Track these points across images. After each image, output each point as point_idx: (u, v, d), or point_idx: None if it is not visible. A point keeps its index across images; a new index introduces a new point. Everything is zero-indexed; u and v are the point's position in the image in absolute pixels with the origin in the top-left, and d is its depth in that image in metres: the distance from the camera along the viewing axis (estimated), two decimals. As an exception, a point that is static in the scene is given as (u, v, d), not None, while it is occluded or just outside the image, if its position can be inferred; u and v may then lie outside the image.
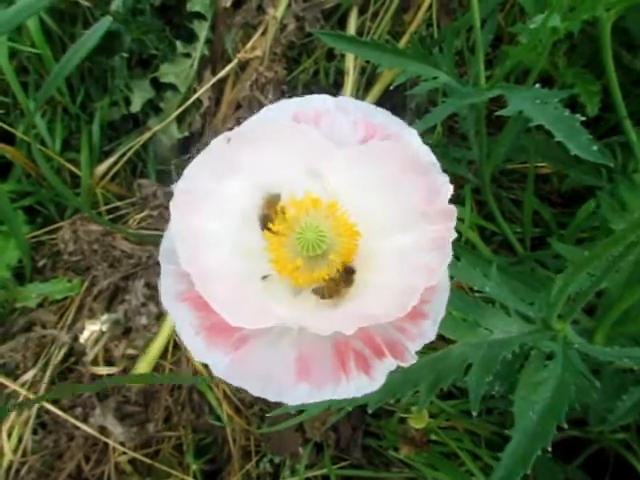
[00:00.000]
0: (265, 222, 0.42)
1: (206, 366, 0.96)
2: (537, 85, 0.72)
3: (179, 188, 0.39)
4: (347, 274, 0.41)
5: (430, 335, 0.38)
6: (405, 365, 0.37)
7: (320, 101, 0.43)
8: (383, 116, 0.42)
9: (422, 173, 0.39)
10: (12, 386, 0.94)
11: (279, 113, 0.42)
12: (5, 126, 1.05)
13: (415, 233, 0.39)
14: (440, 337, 0.56)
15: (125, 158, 1.11)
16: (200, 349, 0.38)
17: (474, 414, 0.52)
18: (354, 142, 0.42)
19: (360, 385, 0.37)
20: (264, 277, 0.41)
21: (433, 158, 0.40)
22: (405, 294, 0.36)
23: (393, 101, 1.07)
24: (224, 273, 0.40)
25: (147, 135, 1.10)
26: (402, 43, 1.07)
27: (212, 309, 0.36)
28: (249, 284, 0.41)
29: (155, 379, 0.91)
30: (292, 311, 0.39)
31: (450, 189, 0.38)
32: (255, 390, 0.37)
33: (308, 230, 0.40)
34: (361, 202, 0.41)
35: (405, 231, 0.39)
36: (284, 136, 0.41)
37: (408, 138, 0.41)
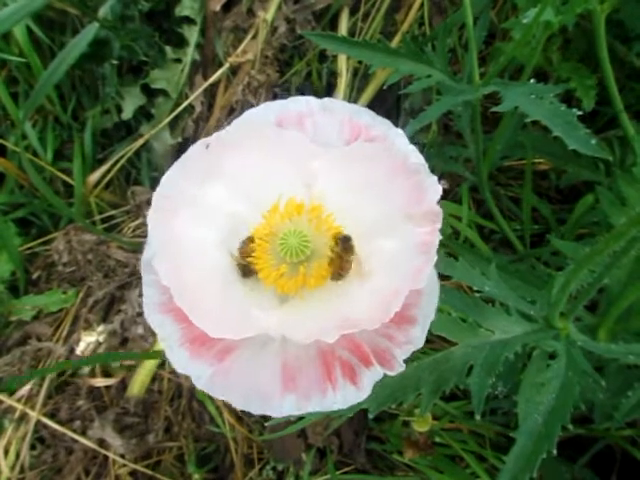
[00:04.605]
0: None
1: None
2: (532, 81, 0.71)
3: (157, 194, 0.39)
4: (344, 244, 0.39)
5: (418, 342, 0.36)
6: (393, 374, 0.35)
7: (303, 103, 0.42)
8: (369, 117, 0.41)
9: (408, 175, 0.38)
10: (8, 401, 0.93)
11: (261, 116, 0.42)
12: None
13: (401, 237, 0.37)
14: (441, 338, 0.55)
15: (118, 166, 1.10)
16: (182, 361, 0.37)
17: (477, 417, 0.51)
18: (339, 144, 0.41)
19: (347, 395, 0.36)
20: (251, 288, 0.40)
21: (421, 159, 0.39)
22: (389, 298, 0.34)
23: (387, 102, 1.06)
24: (205, 281, 0.39)
25: (140, 142, 1.09)
26: (394, 43, 1.06)
27: None
28: (232, 291, 0.40)
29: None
30: (275, 320, 0.38)
31: (439, 190, 0.36)
32: (239, 403, 0.36)
33: (291, 236, 0.39)
34: (347, 205, 0.40)
35: (391, 234, 0.38)
36: (267, 140, 0.40)
37: (394, 139, 0.40)
